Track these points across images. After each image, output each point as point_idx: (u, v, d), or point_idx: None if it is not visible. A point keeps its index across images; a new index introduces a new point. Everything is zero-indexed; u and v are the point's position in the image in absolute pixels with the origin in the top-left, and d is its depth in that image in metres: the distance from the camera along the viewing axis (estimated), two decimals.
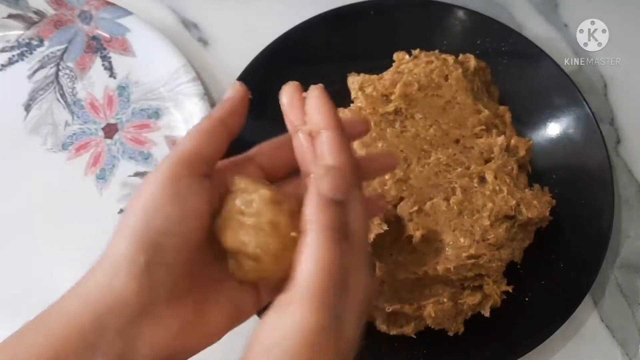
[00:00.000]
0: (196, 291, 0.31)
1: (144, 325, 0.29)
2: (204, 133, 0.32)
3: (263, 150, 0.36)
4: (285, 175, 0.36)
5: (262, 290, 0.33)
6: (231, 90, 0.35)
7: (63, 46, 0.60)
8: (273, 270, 0.30)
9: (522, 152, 0.53)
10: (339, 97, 0.56)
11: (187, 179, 0.30)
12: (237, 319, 0.33)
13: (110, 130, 0.58)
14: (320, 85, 0.34)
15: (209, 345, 0.32)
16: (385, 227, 0.48)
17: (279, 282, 0.30)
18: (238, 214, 0.30)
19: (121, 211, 0.56)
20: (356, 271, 0.30)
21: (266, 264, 0.30)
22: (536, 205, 0.50)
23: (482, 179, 0.51)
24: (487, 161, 0.52)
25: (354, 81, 0.55)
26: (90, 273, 0.30)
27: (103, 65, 0.60)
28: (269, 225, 0.30)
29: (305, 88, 0.57)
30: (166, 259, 0.29)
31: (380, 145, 0.51)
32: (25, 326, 0.30)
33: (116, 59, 0.60)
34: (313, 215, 0.29)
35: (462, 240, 0.49)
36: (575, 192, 0.53)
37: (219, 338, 0.32)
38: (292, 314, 0.28)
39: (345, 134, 0.32)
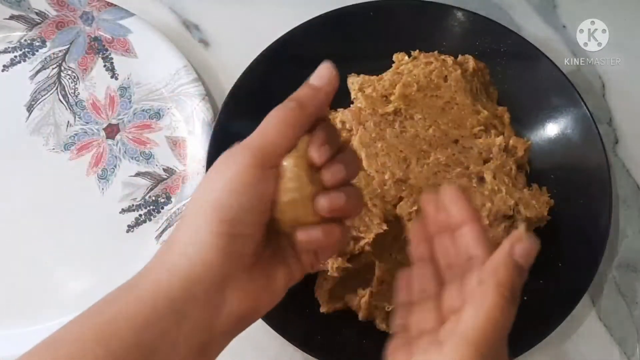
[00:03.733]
0: (265, 260, 0.35)
1: (227, 293, 0.32)
2: (288, 126, 0.33)
3: None
4: None
5: (305, 258, 0.37)
6: (321, 76, 0.35)
7: (65, 47, 0.61)
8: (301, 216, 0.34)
9: (520, 152, 0.53)
10: (339, 97, 0.56)
11: (264, 170, 0.33)
12: (291, 282, 0.37)
13: (111, 131, 0.58)
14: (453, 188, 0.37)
15: (275, 304, 0.36)
16: (385, 227, 0.49)
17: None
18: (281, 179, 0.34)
19: (122, 211, 0.56)
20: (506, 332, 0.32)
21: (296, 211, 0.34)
22: (534, 205, 0.51)
23: (481, 179, 0.51)
24: (485, 161, 0.52)
25: (353, 82, 0.56)
26: (174, 245, 0.33)
27: (105, 66, 0.60)
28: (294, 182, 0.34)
29: None
30: (245, 233, 0.32)
31: (379, 145, 0.52)
32: (113, 294, 0.32)
33: (118, 60, 0.60)
34: (496, 271, 0.32)
35: None
36: (574, 192, 0.53)
37: (280, 298, 0.36)
38: (447, 353, 0.30)
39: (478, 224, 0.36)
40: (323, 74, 0.35)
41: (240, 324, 0.34)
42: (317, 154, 0.33)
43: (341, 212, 0.34)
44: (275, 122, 0.33)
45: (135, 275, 0.33)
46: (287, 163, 0.33)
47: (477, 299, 0.31)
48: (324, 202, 0.33)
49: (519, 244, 0.32)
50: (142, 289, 0.31)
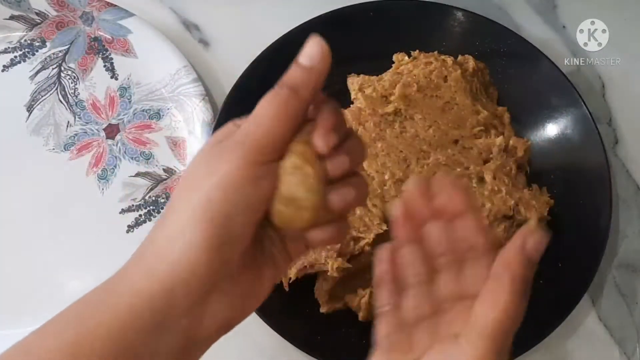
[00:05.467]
0: (252, 260, 0.32)
1: (210, 301, 0.30)
2: (284, 115, 0.30)
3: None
4: None
5: (294, 248, 0.34)
6: (312, 54, 0.32)
7: (65, 47, 0.61)
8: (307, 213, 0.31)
9: (520, 153, 0.54)
10: (339, 98, 0.56)
11: (261, 166, 0.30)
12: (277, 278, 0.34)
13: (111, 131, 0.58)
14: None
15: (260, 304, 0.33)
16: (385, 227, 0.49)
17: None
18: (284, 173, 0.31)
19: (122, 211, 0.56)
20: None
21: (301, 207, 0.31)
22: (534, 205, 0.51)
23: (481, 179, 0.51)
24: (485, 161, 0.52)
25: (353, 82, 0.56)
26: (155, 245, 0.29)
27: (105, 66, 0.60)
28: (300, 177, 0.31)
29: None
30: (236, 235, 0.29)
31: (379, 145, 0.52)
32: (87, 300, 0.29)
33: (118, 60, 0.60)
34: (509, 265, 0.31)
35: None
36: (574, 192, 0.53)
37: (265, 297, 0.33)
38: (464, 347, 0.31)
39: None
40: (314, 51, 0.32)
41: (224, 329, 0.32)
42: (322, 143, 0.30)
43: (350, 206, 0.32)
44: (269, 112, 0.30)
45: (112, 278, 0.30)
46: (289, 153, 0.31)
47: (492, 294, 0.31)
48: (336, 199, 0.31)
49: (530, 238, 0.32)
50: (121, 298, 0.28)
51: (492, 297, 0.31)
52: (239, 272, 0.31)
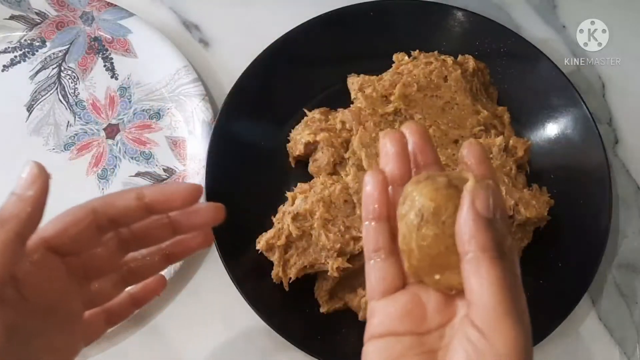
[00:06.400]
0: None
1: None
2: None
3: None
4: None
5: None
6: (24, 180, 0.30)
7: (65, 47, 0.61)
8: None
9: (520, 153, 0.53)
10: (339, 98, 0.56)
11: None
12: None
13: (112, 131, 0.58)
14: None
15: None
16: None
17: None
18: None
19: None
20: (516, 277, 0.30)
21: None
22: (534, 205, 0.51)
23: None
24: None
25: (353, 82, 0.56)
26: None
27: (105, 66, 0.60)
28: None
29: (306, 88, 0.57)
30: None
31: (379, 145, 0.51)
32: None
33: (118, 60, 0.60)
34: (474, 236, 0.28)
35: None
36: (574, 192, 0.53)
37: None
38: (496, 338, 0.27)
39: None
40: (25, 177, 0.30)
41: None
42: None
43: None
44: None
45: None
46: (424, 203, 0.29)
47: (476, 277, 0.28)
48: None
49: (477, 198, 0.28)
50: None
51: (477, 282, 0.28)
52: None
